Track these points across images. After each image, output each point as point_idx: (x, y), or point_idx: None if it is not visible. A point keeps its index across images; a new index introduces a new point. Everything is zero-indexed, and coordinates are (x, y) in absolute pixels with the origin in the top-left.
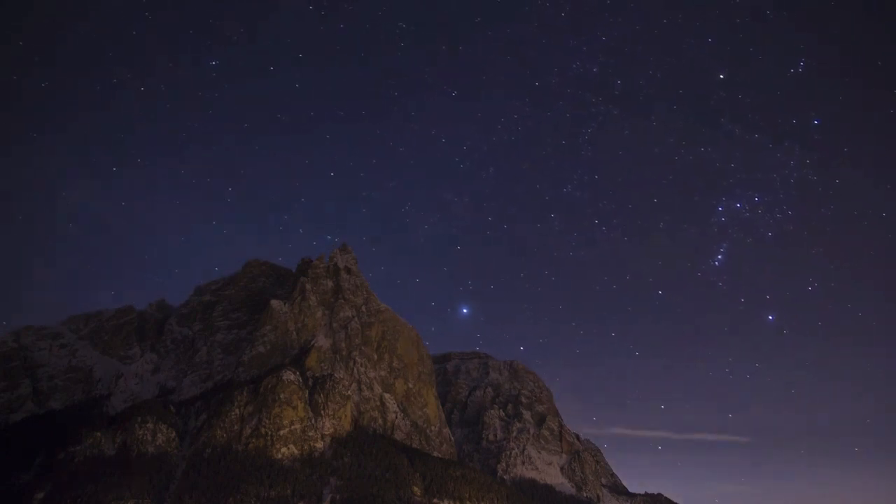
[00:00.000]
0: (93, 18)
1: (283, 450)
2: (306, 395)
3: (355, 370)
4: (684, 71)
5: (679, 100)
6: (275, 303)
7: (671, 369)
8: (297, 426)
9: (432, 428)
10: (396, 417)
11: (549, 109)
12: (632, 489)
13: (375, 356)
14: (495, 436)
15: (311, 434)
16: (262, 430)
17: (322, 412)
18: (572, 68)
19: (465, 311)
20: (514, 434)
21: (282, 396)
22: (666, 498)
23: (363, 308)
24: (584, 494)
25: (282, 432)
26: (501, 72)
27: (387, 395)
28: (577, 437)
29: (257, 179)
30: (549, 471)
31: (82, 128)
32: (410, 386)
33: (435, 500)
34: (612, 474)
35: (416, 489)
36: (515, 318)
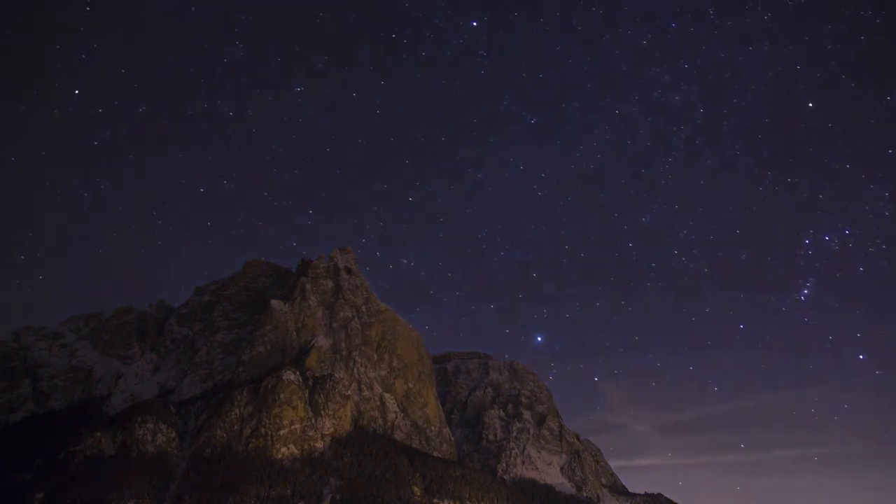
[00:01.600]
0: (185, 47)
1: (283, 450)
2: (306, 395)
3: (355, 370)
4: (770, 99)
5: (764, 129)
6: (275, 303)
7: (752, 407)
8: (297, 426)
9: (432, 428)
10: (396, 417)
11: (630, 138)
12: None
13: (375, 356)
14: (495, 436)
15: (311, 434)
16: (262, 430)
17: (322, 412)
18: (653, 96)
19: (539, 339)
20: (514, 434)
21: (282, 396)
22: (666, 498)
23: (363, 308)
24: (584, 494)
25: (282, 432)
26: (581, 99)
27: (387, 395)
28: (577, 437)
29: (337, 202)
30: (549, 471)
31: (173, 150)
32: (410, 386)
33: (435, 500)
34: (612, 474)
35: (416, 489)
36: (590, 348)
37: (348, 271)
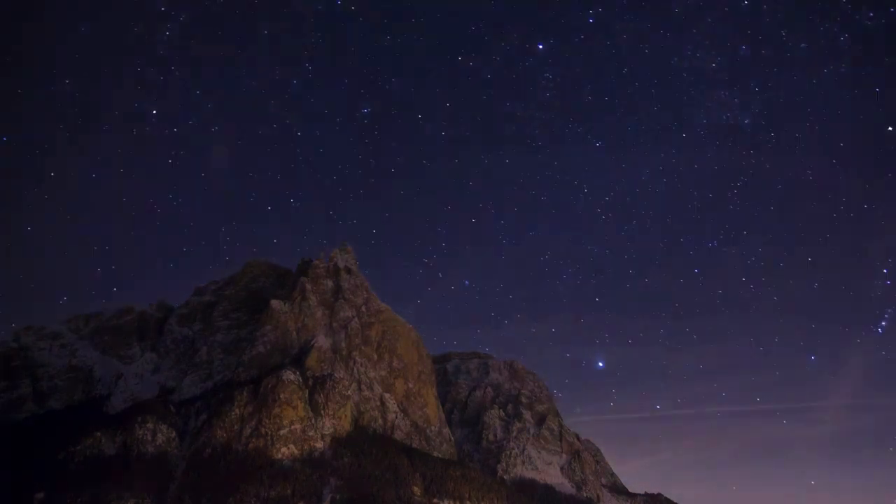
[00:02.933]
0: (256, 69)
1: (283, 450)
2: (306, 395)
3: (355, 370)
4: (846, 123)
5: (839, 153)
6: (275, 303)
7: (825, 444)
8: (297, 426)
9: (432, 428)
10: (396, 417)
11: (697, 162)
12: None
13: (375, 356)
14: (495, 436)
15: (311, 434)
16: (262, 430)
17: (322, 412)
18: (723, 120)
19: (600, 365)
20: (514, 434)
21: (282, 396)
22: (666, 498)
23: (363, 308)
24: (584, 494)
25: (282, 432)
26: (648, 123)
27: (387, 395)
28: (577, 436)
29: (400, 223)
30: (549, 471)
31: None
32: (410, 386)
33: (435, 500)
34: (612, 474)
35: (416, 489)
36: (653, 376)
37: (348, 271)
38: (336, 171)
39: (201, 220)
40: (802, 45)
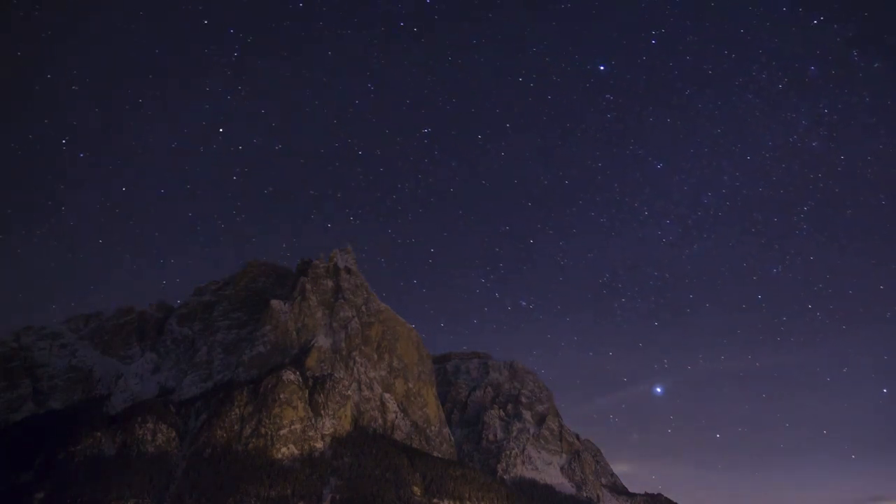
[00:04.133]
0: (320, 90)
1: (283, 450)
2: (306, 395)
3: (355, 370)
4: None
5: None
6: (275, 303)
7: (894, 476)
8: (297, 426)
9: (432, 428)
10: (396, 417)
11: (761, 185)
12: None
13: (375, 356)
14: (495, 436)
15: (311, 434)
16: (262, 430)
17: (322, 412)
18: (789, 142)
19: (658, 390)
20: (514, 434)
21: (282, 396)
22: (666, 498)
23: (363, 308)
24: (584, 494)
25: (282, 432)
26: (710, 145)
27: (387, 395)
28: (577, 436)
29: (458, 242)
30: (549, 471)
31: (301, 186)
32: (410, 386)
33: (435, 500)
34: (612, 474)
35: (416, 489)
36: (714, 403)
37: (348, 271)
38: (395, 190)
39: (263, 236)
40: (876, 64)
